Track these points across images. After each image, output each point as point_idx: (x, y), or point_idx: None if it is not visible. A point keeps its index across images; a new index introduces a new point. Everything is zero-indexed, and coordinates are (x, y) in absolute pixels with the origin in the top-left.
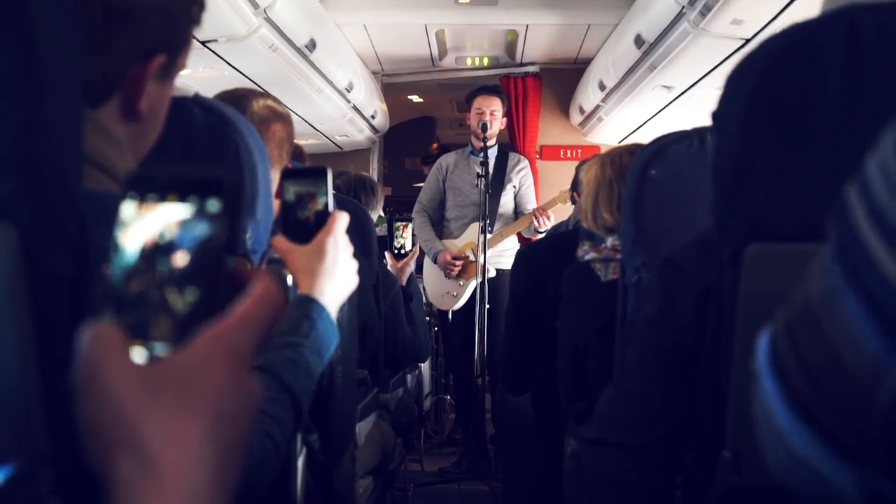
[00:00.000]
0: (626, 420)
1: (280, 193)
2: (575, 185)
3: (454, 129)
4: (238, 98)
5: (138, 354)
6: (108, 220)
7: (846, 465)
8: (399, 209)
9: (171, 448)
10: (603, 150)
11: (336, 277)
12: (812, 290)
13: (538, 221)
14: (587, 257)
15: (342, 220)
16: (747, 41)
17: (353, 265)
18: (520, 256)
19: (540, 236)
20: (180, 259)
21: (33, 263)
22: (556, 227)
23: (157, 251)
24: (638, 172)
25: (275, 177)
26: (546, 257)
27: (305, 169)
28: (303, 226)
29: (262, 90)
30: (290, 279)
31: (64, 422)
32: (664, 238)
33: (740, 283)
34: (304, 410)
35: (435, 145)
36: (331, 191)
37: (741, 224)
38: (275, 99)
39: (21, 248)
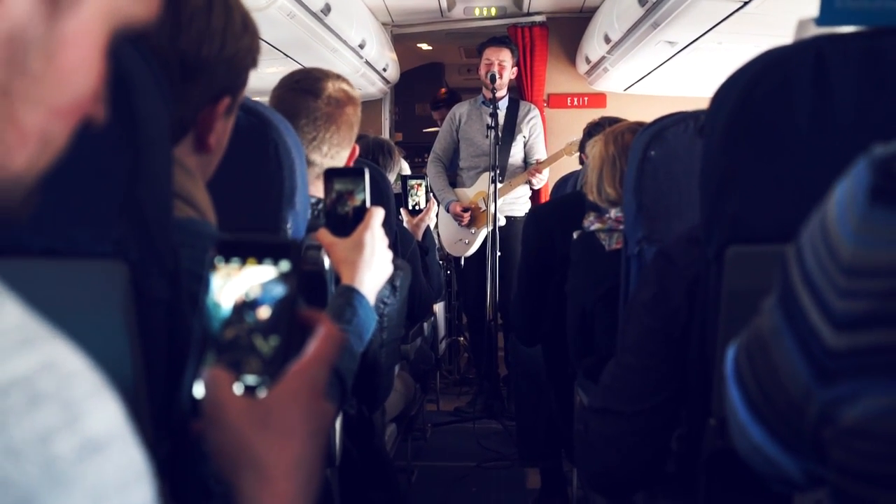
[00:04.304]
0: (626, 391)
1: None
2: (582, 147)
3: (462, 74)
4: (314, 80)
5: (239, 389)
6: (192, 244)
7: (790, 455)
8: (410, 154)
9: (279, 461)
10: (609, 98)
11: (373, 268)
12: (764, 322)
13: (532, 182)
14: (592, 227)
15: (378, 215)
16: (746, 3)
17: (389, 255)
18: (530, 217)
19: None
20: (263, 312)
21: (140, 292)
22: (563, 180)
23: (245, 307)
24: (639, 153)
25: (344, 158)
26: (555, 218)
27: (345, 169)
28: (342, 220)
29: (333, 75)
30: (326, 262)
31: (167, 422)
32: (663, 213)
33: (723, 278)
34: (349, 388)
35: (443, 90)
36: (368, 188)
37: (724, 228)
38: (347, 82)
39: (131, 282)
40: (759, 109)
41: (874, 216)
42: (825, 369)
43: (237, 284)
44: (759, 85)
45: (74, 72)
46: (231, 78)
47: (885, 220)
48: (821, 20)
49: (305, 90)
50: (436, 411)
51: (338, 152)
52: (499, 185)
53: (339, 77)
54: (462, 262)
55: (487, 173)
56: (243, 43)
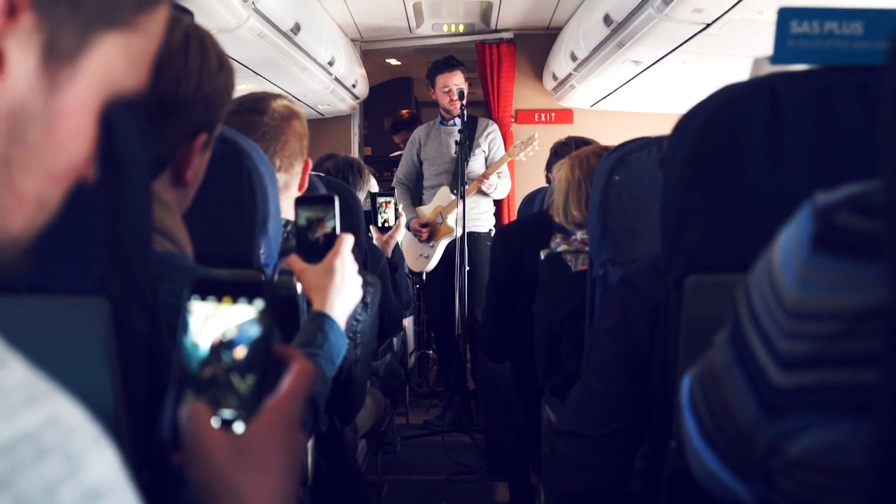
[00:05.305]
0: (591, 415)
1: (294, 218)
2: (549, 167)
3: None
4: (257, 100)
5: (216, 422)
6: (170, 278)
7: (742, 481)
8: (379, 169)
9: (257, 495)
10: (576, 114)
11: (344, 293)
12: (716, 356)
13: (483, 190)
14: (559, 249)
15: (348, 241)
16: (708, 25)
17: (358, 280)
18: (498, 237)
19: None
20: (240, 352)
21: (121, 326)
22: (531, 197)
23: (223, 347)
24: (603, 178)
25: (298, 171)
26: (523, 238)
27: (315, 197)
28: (313, 247)
29: (278, 93)
30: (298, 287)
31: (148, 451)
32: (627, 237)
33: (683, 306)
34: (321, 412)
35: (404, 112)
36: (338, 215)
37: (683, 258)
38: (288, 100)
39: (113, 317)
40: (716, 146)
41: (816, 263)
42: (772, 405)
43: (214, 325)
44: (716, 123)
45: (70, 140)
46: (207, 115)
47: (827, 267)
48: (775, 59)
49: (249, 109)
50: (405, 424)
51: (291, 164)
52: (453, 199)
53: (279, 96)
54: (424, 278)
55: (442, 188)
56: (219, 81)
